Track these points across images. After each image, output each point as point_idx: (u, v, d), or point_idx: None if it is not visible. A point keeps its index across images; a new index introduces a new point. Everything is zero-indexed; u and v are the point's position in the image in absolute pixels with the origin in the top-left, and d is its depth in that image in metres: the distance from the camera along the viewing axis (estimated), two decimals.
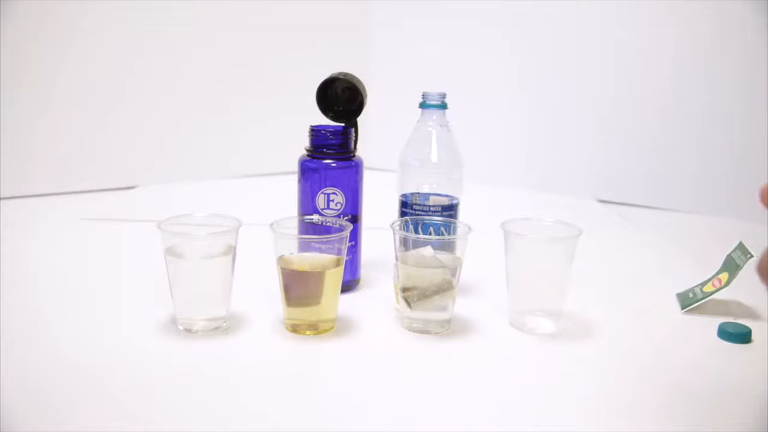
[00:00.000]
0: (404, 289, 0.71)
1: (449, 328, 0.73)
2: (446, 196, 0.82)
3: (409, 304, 0.70)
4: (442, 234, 0.77)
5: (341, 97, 0.83)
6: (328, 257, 0.70)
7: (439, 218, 0.79)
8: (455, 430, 0.55)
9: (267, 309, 0.75)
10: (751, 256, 0.77)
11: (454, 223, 0.78)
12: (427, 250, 0.71)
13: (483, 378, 0.64)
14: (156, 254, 0.72)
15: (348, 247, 0.73)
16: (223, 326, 0.72)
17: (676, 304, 0.83)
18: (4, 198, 1.26)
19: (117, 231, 1.12)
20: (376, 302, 0.80)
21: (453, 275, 0.71)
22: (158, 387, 0.60)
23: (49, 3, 1.26)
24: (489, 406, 0.59)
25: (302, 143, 0.82)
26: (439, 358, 0.68)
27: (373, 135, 1.17)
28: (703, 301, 0.79)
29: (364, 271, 0.87)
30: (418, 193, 0.82)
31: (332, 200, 0.79)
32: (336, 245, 0.70)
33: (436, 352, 0.69)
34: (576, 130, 1.44)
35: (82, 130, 1.36)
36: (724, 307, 0.81)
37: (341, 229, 0.72)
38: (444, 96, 0.82)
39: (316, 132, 0.80)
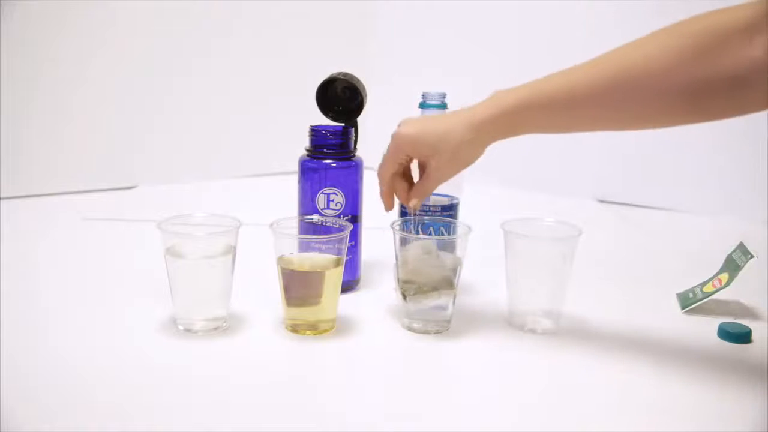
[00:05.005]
0: (403, 282, 0.71)
1: (449, 328, 0.73)
2: (446, 196, 0.82)
3: (404, 297, 0.70)
4: (442, 234, 0.77)
5: (341, 97, 0.83)
6: (328, 257, 0.70)
7: (439, 218, 0.79)
8: (455, 429, 0.55)
9: (267, 309, 0.75)
10: (752, 257, 0.77)
11: (454, 223, 0.78)
12: (432, 245, 0.70)
13: (483, 378, 0.64)
14: (156, 254, 0.72)
15: (348, 247, 0.73)
16: (223, 326, 0.71)
17: (676, 304, 0.83)
18: (4, 198, 1.25)
19: (117, 231, 1.12)
20: (376, 302, 0.80)
21: (453, 275, 0.71)
22: (158, 387, 0.60)
23: (50, 3, 1.26)
24: (489, 406, 0.59)
25: (302, 143, 0.82)
26: (439, 358, 0.68)
27: (373, 135, 1.17)
28: (703, 301, 0.79)
29: (364, 271, 0.87)
30: None
31: (332, 200, 0.79)
32: (336, 245, 0.70)
33: (436, 352, 0.69)
34: None
35: (83, 130, 1.36)
36: (724, 307, 0.81)
37: (341, 229, 0.72)
38: (444, 96, 0.82)
39: (316, 132, 0.80)
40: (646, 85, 0.59)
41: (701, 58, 0.57)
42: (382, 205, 0.74)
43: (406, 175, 0.74)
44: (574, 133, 0.68)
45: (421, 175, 0.72)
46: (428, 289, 0.70)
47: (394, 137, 0.70)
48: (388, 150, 0.71)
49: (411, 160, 0.72)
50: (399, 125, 0.70)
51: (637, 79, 0.60)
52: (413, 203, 0.72)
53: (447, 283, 0.70)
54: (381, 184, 0.73)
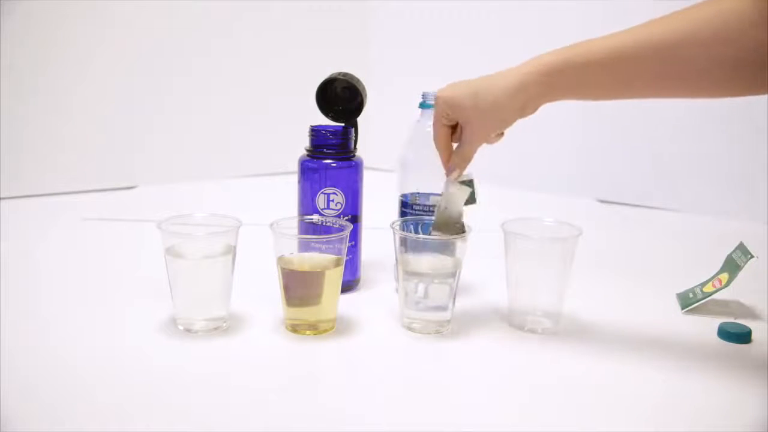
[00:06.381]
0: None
1: (449, 328, 0.73)
2: None
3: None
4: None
5: (341, 97, 0.83)
6: (328, 257, 0.70)
7: None
8: (455, 430, 0.55)
9: (267, 309, 0.75)
10: (752, 257, 0.77)
11: None
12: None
13: (483, 378, 0.64)
14: (156, 254, 0.72)
15: (348, 247, 0.73)
16: (223, 326, 0.71)
17: (676, 304, 0.83)
18: (4, 198, 1.25)
19: (117, 231, 1.12)
20: (376, 302, 0.80)
21: (453, 276, 0.71)
22: (158, 387, 0.60)
23: (50, 3, 1.26)
24: (489, 406, 0.59)
25: (302, 143, 0.82)
26: (439, 358, 0.68)
27: (373, 135, 1.17)
28: (703, 301, 0.79)
29: (364, 271, 0.87)
30: (418, 193, 0.82)
31: (332, 200, 0.79)
32: (336, 245, 0.70)
33: (436, 352, 0.69)
34: (576, 130, 1.44)
35: (83, 130, 1.36)
36: (724, 307, 0.81)
37: (341, 229, 0.72)
38: None
39: (316, 132, 0.80)
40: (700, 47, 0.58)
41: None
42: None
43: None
44: (614, 99, 0.65)
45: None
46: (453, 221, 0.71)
47: (435, 99, 0.70)
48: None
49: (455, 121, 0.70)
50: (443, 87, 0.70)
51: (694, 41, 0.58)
52: (454, 175, 0.71)
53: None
54: (437, 149, 0.72)
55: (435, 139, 0.72)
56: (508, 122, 0.68)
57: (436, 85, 0.84)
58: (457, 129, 0.71)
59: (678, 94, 0.64)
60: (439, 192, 0.73)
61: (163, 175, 1.45)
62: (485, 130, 0.69)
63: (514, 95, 0.65)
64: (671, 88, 0.63)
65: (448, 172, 0.72)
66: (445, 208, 0.72)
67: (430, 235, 0.72)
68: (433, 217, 0.74)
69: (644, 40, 0.61)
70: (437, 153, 0.72)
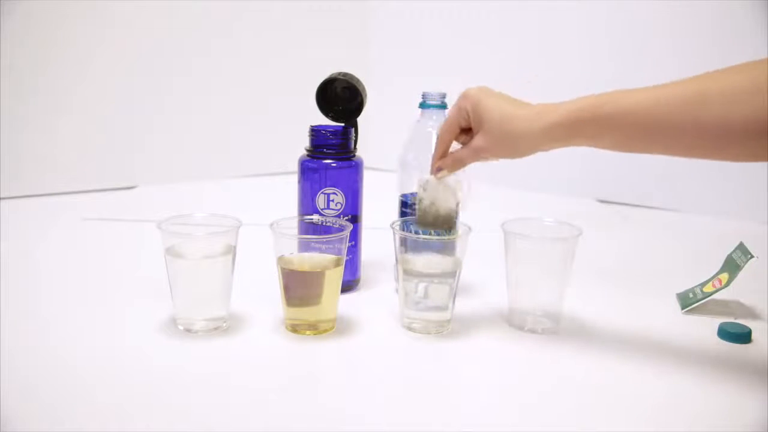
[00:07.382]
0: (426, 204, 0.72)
1: (449, 328, 0.73)
2: None
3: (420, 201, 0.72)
4: (442, 234, 0.76)
5: (341, 97, 0.83)
6: (328, 257, 0.70)
7: None
8: (455, 429, 0.55)
9: (267, 309, 0.75)
10: (752, 257, 0.77)
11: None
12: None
13: (483, 378, 0.64)
14: (156, 254, 0.72)
15: (348, 247, 0.73)
16: (223, 326, 0.71)
17: (676, 304, 0.83)
18: (4, 198, 1.26)
19: (117, 231, 1.12)
20: (376, 302, 0.80)
21: (453, 276, 0.71)
22: (158, 387, 0.60)
23: (50, 3, 1.26)
24: (489, 406, 0.59)
25: (302, 143, 0.82)
26: (439, 358, 0.68)
27: (373, 135, 1.17)
28: (703, 301, 0.79)
29: (364, 271, 0.87)
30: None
31: (332, 200, 0.79)
32: (336, 245, 0.70)
33: (436, 352, 0.69)
34: None
35: (83, 130, 1.36)
36: (724, 307, 0.81)
37: (341, 229, 0.72)
38: (444, 96, 0.82)
39: (316, 132, 0.80)
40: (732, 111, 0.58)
41: None
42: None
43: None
44: (631, 152, 0.64)
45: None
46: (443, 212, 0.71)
47: (462, 93, 0.68)
48: (452, 107, 0.70)
49: (470, 127, 0.69)
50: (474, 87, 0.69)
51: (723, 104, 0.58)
52: (439, 174, 0.71)
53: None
54: (437, 143, 0.71)
55: (442, 132, 0.71)
56: (520, 156, 0.67)
57: (436, 85, 0.84)
58: (469, 134, 0.70)
59: (699, 156, 0.63)
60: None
61: (163, 175, 1.45)
62: (498, 152, 0.68)
63: (540, 137, 0.64)
64: (691, 148, 0.62)
65: (436, 170, 0.71)
66: (432, 204, 0.72)
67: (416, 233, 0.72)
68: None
69: (667, 101, 0.59)
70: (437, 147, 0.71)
